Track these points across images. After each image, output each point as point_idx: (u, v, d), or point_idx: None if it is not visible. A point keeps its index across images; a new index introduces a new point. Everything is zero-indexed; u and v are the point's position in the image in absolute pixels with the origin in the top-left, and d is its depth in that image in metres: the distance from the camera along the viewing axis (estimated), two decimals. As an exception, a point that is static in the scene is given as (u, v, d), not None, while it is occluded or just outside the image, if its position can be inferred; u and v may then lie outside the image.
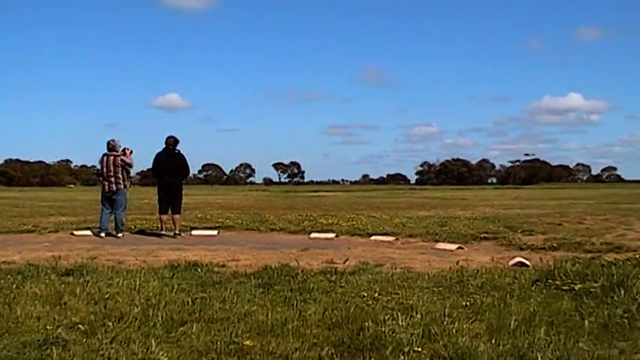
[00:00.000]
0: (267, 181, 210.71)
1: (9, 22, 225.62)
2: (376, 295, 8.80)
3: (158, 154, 18.47)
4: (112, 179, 18.18)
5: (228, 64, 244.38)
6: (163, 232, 18.33)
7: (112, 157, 18.21)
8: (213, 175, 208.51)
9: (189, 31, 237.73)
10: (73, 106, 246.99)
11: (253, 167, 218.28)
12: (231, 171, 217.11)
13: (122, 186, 18.32)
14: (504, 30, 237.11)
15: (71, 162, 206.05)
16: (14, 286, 9.23)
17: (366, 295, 8.79)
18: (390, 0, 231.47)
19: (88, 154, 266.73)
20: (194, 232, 18.99)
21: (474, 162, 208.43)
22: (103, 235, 17.86)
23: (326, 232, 18.85)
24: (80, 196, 58.28)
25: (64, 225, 21.23)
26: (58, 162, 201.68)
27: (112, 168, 18.16)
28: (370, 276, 10.63)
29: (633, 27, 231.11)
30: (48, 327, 6.83)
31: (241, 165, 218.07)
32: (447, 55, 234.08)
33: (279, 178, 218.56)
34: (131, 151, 18.47)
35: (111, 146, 18.35)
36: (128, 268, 11.45)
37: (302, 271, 10.85)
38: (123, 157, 18.23)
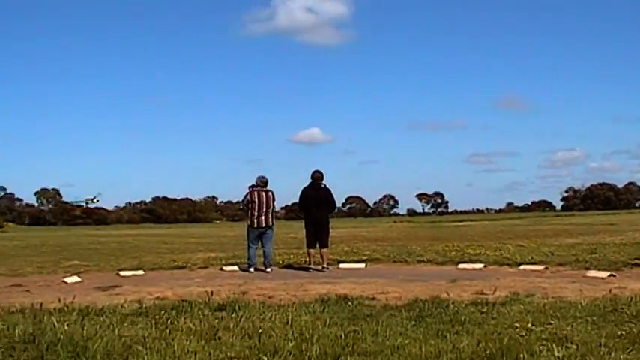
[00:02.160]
0: (411, 212, 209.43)
1: (155, 66, 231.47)
2: (529, 325, 8.67)
3: (305, 189, 18.64)
4: (268, 215, 18.50)
5: (367, 97, 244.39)
6: (311, 266, 18.42)
7: (264, 193, 18.52)
8: (357, 208, 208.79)
9: (327, 67, 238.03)
10: (217, 144, 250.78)
11: (397, 199, 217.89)
12: (375, 203, 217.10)
13: (273, 221, 18.59)
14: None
15: (216, 198, 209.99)
16: (169, 321, 9.41)
17: (518, 325, 8.67)
18: (524, 25, 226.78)
19: (233, 191, 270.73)
20: (342, 265, 19.00)
21: (620, 186, 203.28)
22: (252, 270, 18.08)
23: (474, 262, 18.63)
24: (227, 232, 59.15)
25: (214, 260, 21.58)
26: (203, 199, 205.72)
27: (269, 203, 18.51)
28: (522, 306, 10.45)
29: None
30: (204, 361, 6.95)
31: (385, 197, 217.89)
32: (586, 77, 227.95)
33: (423, 209, 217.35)
34: None
35: (263, 182, 18.65)
36: (279, 302, 11.54)
37: (452, 302, 10.76)
38: (273, 192, 18.52)
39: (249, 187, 18.70)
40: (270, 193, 18.55)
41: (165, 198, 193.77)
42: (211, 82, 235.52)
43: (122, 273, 18.18)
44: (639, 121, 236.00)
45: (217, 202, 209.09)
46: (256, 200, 18.42)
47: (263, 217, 18.43)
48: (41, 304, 10.75)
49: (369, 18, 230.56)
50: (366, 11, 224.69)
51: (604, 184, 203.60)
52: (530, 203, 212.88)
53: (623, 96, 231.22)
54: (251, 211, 18.58)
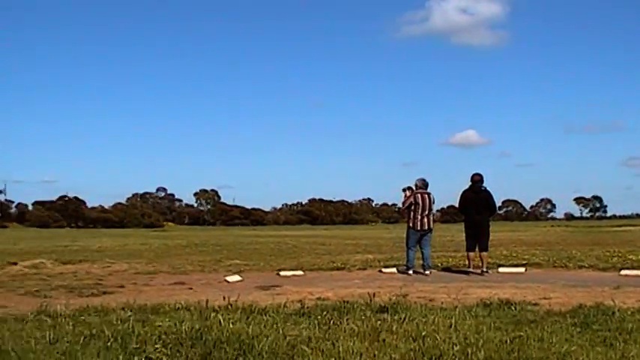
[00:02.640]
0: (569, 216, 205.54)
1: (313, 70, 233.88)
2: (701, 336, 8.38)
3: (465, 192, 18.52)
4: (430, 217, 18.50)
5: (524, 99, 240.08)
6: (471, 270, 18.28)
7: (430, 195, 18.55)
8: (513, 211, 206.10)
9: (482, 68, 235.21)
10: (372, 146, 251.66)
11: (554, 202, 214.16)
12: (532, 206, 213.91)
13: (433, 224, 18.58)
14: None
15: (372, 200, 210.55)
16: (331, 321, 9.43)
17: (690, 335, 8.39)
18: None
19: (388, 193, 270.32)
20: (501, 270, 18.74)
21: None
22: (411, 272, 18.08)
23: (637, 268, 18.11)
24: (383, 234, 59.32)
25: (372, 262, 21.69)
26: (359, 201, 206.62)
27: (431, 206, 18.55)
28: (692, 315, 10.14)
29: None
30: (369, 363, 6.97)
31: (542, 200, 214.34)
32: None
33: (581, 213, 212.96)
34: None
35: (424, 184, 18.67)
36: (440, 305, 11.45)
37: (618, 310, 10.49)
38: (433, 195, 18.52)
39: (406, 189, 18.70)
40: (431, 196, 18.53)
41: (321, 199, 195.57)
42: (367, 85, 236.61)
43: (282, 273, 18.47)
44: None
45: (373, 204, 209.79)
46: (420, 202, 18.41)
47: (425, 220, 18.41)
48: (207, 301, 10.98)
49: (525, 18, 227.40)
50: (522, 11, 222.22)
51: None
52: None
53: None
54: (414, 213, 18.57)
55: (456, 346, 7.59)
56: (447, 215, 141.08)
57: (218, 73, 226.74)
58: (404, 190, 18.79)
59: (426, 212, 18.45)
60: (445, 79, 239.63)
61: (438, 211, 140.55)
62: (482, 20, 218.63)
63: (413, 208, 18.57)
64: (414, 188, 18.74)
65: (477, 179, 18.34)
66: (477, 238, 18.36)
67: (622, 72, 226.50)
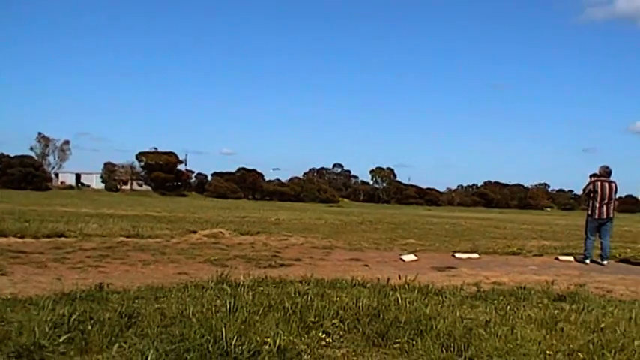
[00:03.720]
0: None
1: (494, 54, 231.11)
2: None
3: (661, 184, 18.04)
4: (610, 206, 18.06)
5: None
6: (650, 262, 17.79)
7: (612, 184, 18.10)
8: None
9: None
10: (551, 131, 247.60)
11: None
12: None
13: (614, 213, 18.15)
14: None
15: (548, 186, 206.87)
16: (508, 307, 9.41)
17: None
18: None
19: (566, 179, 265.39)
20: (681, 263, 18.18)
21: None
22: (588, 261, 17.74)
23: None
24: (558, 221, 58.37)
25: (548, 249, 21.37)
26: (535, 185, 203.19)
27: (611, 194, 18.07)
28: None
29: None
30: (547, 352, 6.90)
31: None
32: None
33: None
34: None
35: (607, 172, 18.23)
36: (619, 297, 11.25)
37: None
38: (616, 183, 18.05)
39: (591, 176, 18.33)
40: (613, 184, 18.07)
41: (497, 183, 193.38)
42: (547, 68, 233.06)
43: (457, 255, 18.41)
44: None
45: (549, 190, 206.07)
46: (599, 190, 18.03)
47: (605, 208, 18.01)
48: (388, 279, 11.08)
49: None
50: None
51: None
52: None
53: None
54: (592, 201, 18.22)
55: (637, 340, 7.45)
56: (625, 205, 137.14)
57: (400, 52, 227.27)
58: (590, 176, 18.41)
59: (605, 201, 18.02)
60: (629, 64, 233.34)
61: (616, 200, 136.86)
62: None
63: (592, 196, 18.22)
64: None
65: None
66: (660, 231, 17.85)
67: None
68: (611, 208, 18.10)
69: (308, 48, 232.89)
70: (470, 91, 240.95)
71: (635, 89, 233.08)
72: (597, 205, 18.12)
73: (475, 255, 18.51)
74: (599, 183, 18.10)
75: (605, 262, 17.69)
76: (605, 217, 18.06)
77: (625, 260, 18.95)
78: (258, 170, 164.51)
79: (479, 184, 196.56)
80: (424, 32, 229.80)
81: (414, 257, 17.32)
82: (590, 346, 7.20)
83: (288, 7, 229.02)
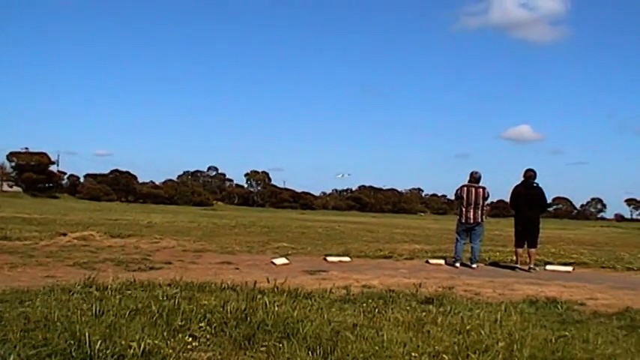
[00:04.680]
0: (619, 217, 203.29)
1: (372, 61, 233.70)
2: None
3: (517, 187, 18.40)
4: (477, 211, 18.34)
5: (579, 96, 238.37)
6: (518, 266, 18.13)
7: (479, 189, 18.39)
8: (563, 209, 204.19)
9: (541, 63, 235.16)
10: (425, 136, 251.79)
11: (604, 202, 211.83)
12: (582, 205, 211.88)
13: (484, 218, 18.46)
14: None
15: (422, 190, 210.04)
16: (376, 310, 9.48)
17: None
18: None
19: (439, 184, 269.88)
20: (548, 267, 18.58)
21: None
22: (457, 265, 18.00)
23: (688, 274, 17.92)
24: (431, 225, 59.24)
25: (419, 253, 21.69)
26: (409, 190, 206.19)
27: (478, 200, 18.34)
28: None
29: None
30: (413, 354, 6.94)
31: (592, 200, 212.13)
32: None
33: (632, 215, 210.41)
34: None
35: (476, 178, 18.51)
36: (486, 300, 11.45)
37: (667, 315, 10.42)
38: (487, 189, 18.36)
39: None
40: (480, 190, 18.37)
41: (371, 187, 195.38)
42: (423, 75, 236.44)
43: (329, 258, 18.47)
44: None
45: (423, 194, 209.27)
46: (464, 196, 18.36)
47: (472, 213, 18.32)
48: (255, 282, 11.04)
49: (586, 15, 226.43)
50: (583, 8, 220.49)
51: None
52: None
53: None
54: (460, 206, 18.56)
55: (501, 342, 7.57)
56: (496, 209, 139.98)
57: (279, 57, 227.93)
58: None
59: (472, 206, 18.35)
60: (502, 72, 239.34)
61: (488, 205, 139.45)
62: (542, 16, 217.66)
63: (460, 201, 18.55)
64: None
65: (529, 175, 18.21)
66: (526, 235, 18.24)
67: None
68: (479, 213, 18.38)
69: (181, 50, 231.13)
70: (346, 97, 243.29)
71: (506, 97, 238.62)
72: (464, 210, 18.43)
73: (347, 258, 18.59)
74: (465, 188, 18.42)
75: (474, 266, 17.98)
76: (472, 221, 18.35)
77: (494, 264, 19.29)
78: (132, 172, 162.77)
79: (353, 189, 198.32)
80: (302, 36, 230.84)
81: (286, 261, 17.30)
82: (456, 347, 7.28)
83: (151, 7, 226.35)
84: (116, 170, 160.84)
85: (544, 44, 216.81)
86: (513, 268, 18.02)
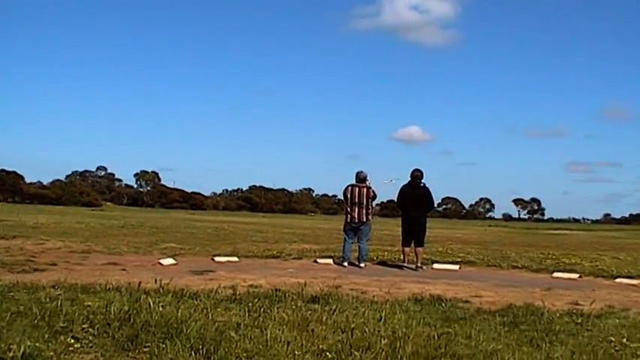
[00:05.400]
0: (507, 217, 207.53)
1: (261, 59, 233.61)
2: (624, 340, 8.48)
3: (404, 187, 18.60)
4: (362, 210, 18.45)
5: (468, 98, 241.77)
6: (405, 265, 18.38)
7: (363, 189, 18.49)
8: (452, 209, 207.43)
9: (430, 66, 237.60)
10: (316, 137, 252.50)
11: (493, 202, 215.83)
12: (471, 205, 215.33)
13: (370, 217, 18.59)
14: None
15: (313, 191, 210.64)
16: (262, 309, 9.48)
17: (613, 340, 8.49)
18: (630, 38, 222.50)
19: (330, 184, 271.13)
20: (435, 266, 18.89)
21: None
22: (345, 264, 18.12)
23: (569, 272, 18.34)
24: (321, 225, 59.48)
25: (308, 252, 21.78)
26: (300, 190, 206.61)
27: (362, 199, 18.45)
28: (617, 320, 10.27)
29: None
30: (296, 352, 6.98)
31: (481, 199, 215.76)
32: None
33: (519, 214, 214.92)
34: (370, 182, 18.66)
35: (360, 178, 18.62)
36: (372, 298, 11.48)
37: (547, 311, 10.64)
38: (372, 188, 18.50)
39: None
40: (364, 189, 18.50)
41: (262, 187, 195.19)
42: (314, 77, 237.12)
43: (217, 259, 18.44)
44: None
45: (313, 195, 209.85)
46: (349, 196, 18.51)
47: (356, 213, 18.46)
48: (139, 283, 10.94)
49: (475, 19, 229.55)
50: (473, 12, 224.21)
51: None
52: (628, 216, 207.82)
53: None
54: (346, 205, 18.73)
55: (384, 339, 7.65)
56: (386, 209, 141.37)
57: (168, 56, 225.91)
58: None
59: (357, 205, 18.49)
60: (392, 74, 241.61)
61: (377, 205, 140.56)
62: (432, 19, 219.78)
63: (345, 200, 18.74)
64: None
65: (416, 175, 18.41)
66: (413, 234, 18.45)
67: (565, 78, 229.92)
68: (364, 212, 18.50)
69: (68, 48, 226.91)
70: (238, 97, 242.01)
71: (397, 98, 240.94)
72: (349, 210, 18.59)
73: (235, 258, 18.58)
74: (350, 188, 18.57)
75: (362, 265, 18.11)
76: (357, 221, 18.49)
77: (383, 263, 19.50)
78: (19, 172, 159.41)
79: (244, 189, 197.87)
80: (191, 36, 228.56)
81: (173, 261, 17.20)
82: (339, 345, 7.35)
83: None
84: (2, 170, 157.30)
85: (434, 47, 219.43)
86: (401, 267, 18.24)
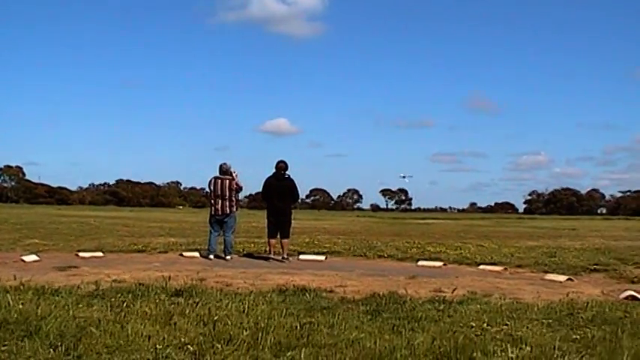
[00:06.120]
0: (375, 207, 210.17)
1: (124, 50, 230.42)
2: (485, 325, 8.70)
3: (268, 179, 18.63)
4: (225, 202, 18.41)
5: (336, 91, 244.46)
6: (271, 256, 18.43)
7: (225, 181, 18.43)
8: (320, 200, 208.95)
9: (298, 58, 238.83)
10: (184, 130, 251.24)
11: (361, 193, 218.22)
12: (339, 196, 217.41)
13: (234, 209, 18.56)
14: (612, 57, 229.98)
15: (180, 184, 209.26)
16: (125, 304, 9.40)
17: (474, 325, 8.70)
18: (493, 29, 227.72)
19: (197, 177, 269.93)
20: (302, 257, 19.05)
21: (583, 192, 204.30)
22: (211, 257, 18.05)
23: (434, 260, 18.71)
24: (189, 218, 59.12)
25: (174, 246, 21.67)
26: (167, 183, 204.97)
27: (225, 191, 18.41)
28: (479, 306, 10.49)
29: None
30: (158, 346, 6.93)
31: (349, 190, 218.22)
32: (553, 82, 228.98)
33: (387, 205, 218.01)
34: (236, 174, 18.62)
35: (223, 170, 18.56)
36: (237, 290, 11.48)
37: (410, 299, 10.82)
38: (236, 180, 18.44)
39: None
40: (227, 181, 18.44)
41: (129, 181, 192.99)
42: (180, 68, 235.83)
43: (81, 254, 18.13)
44: (603, 128, 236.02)
45: (181, 188, 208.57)
46: (213, 188, 18.50)
47: (220, 205, 18.42)
48: (-1, 280, 10.73)
49: (342, 11, 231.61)
50: (340, 4, 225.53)
51: (567, 189, 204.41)
52: (493, 204, 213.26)
53: (587, 103, 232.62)
54: (210, 198, 18.75)
55: (246, 330, 7.68)
56: (255, 201, 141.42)
57: (38, 49, 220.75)
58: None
59: (220, 197, 18.45)
60: (260, 66, 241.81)
61: (246, 197, 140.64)
62: (299, 11, 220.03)
63: (209, 193, 18.76)
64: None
65: (280, 167, 18.46)
66: (279, 225, 18.52)
67: (431, 70, 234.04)
68: (227, 204, 18.46)
69: None
70: (104, 91, 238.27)
71: (264, 91, 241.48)
72: (213, 202, 18.57)
73: (99, 254, 18.34)
74: (213, 180, 18.51)
75: (228, 257, 18.08)
76: (221, 213, 18.44)
77: (249, 255, 19.54)
78: None
79: (111, 183, 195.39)
80: (56, 27, 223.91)
81: (36, 257, 16.85)
82: (201, 338, 7.37)
83: None
84: None
85: (302, 39, 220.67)
86: (267, 259, 18.29)
